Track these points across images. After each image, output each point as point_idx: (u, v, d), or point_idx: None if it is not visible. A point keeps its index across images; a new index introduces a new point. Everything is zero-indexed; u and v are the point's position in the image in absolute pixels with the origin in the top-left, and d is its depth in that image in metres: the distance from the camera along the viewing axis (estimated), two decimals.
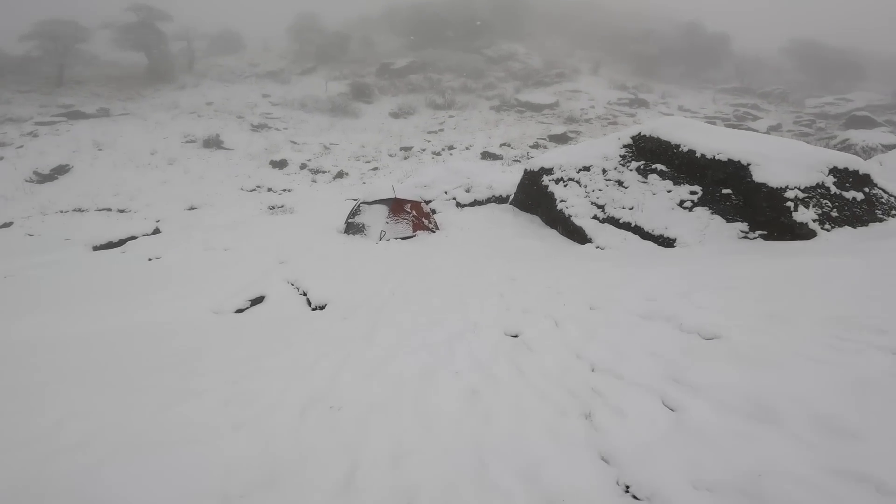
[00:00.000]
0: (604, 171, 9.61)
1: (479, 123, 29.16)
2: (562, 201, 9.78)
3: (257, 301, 6.62)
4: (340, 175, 20.92)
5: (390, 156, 23.55)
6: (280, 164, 21.61)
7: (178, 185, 19.97)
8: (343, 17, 41.04)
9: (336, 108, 29.65)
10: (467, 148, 23.70)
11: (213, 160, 22.89)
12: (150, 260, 9.58)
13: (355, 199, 14.46)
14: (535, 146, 23.75)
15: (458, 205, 12.44)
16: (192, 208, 16.75)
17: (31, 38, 29.13)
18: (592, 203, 9.26)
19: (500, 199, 12.70)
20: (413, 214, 10.29)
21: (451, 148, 24.08)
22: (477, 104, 33.84)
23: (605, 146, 10.11)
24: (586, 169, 9.89)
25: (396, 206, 10.17)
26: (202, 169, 21.68)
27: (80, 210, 18.35)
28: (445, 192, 12.59)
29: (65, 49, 29.61)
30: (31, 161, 22.07)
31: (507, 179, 13.15)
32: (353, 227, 10.30)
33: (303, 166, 21.64)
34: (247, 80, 33.17)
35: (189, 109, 28.78)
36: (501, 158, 20.72)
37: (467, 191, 12.68)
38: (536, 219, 11.14)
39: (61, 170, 21.60)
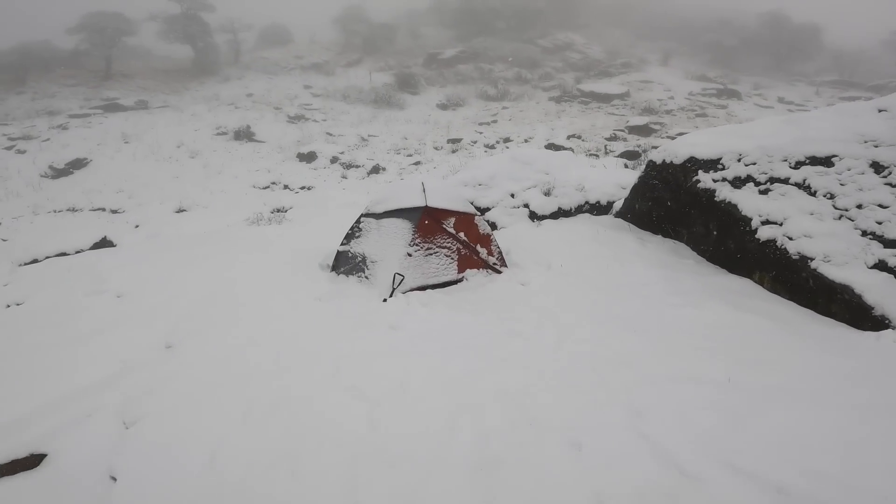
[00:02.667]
0: (877, 166, 4.02)
1: (538, 114, 23.64)
2: (769, 223, 4.29)
3: None
4: (376, 170, 16.02)
5: (436, 148, 18.42)
6: (308, 158, 16.94)
7: (189, 180, 15.71)
8: (390, 9, 36.11)
9: (379, 98, 24.89)
10: (526, 140, 18.24)
11: (239, 153, 18.63)
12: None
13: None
14: (613, 138, 17.96)
15: (534, 215, 7.11)
16: (180, 210, 12.31)
17: (78, 31, 25.76)
18: (863, 232, 3.72)
19: (597, 208, 7.29)
20: (459, 238, 5.06)
21: (507, 140, 18.67)
22: (534, 95, 28.35)
23: (855, 117, 4.51)
24: (824, 162, 4.33)
25: (429, 223, 4.97)
26: (223, 162, 17.40)
27: (73, 210, 14.32)
28: (512, 196, 7.30)
29: (111, 42, 26.12)
30: (52, 155, 18.37)
31: (607, 179, 7.69)
32: (343, 263, 5.19)
33: (334, 160, 16.86)
34: (291, 73, 28.92)
35: (228, 101, 24.75)
36: (571, 151, 15.10)
37: (547, 193, 7.31)
38: (682, 248, 5.67)
39: (77, 164, 17.74)
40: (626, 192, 7.05)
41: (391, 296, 4.57)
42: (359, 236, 5.18)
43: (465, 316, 4.12)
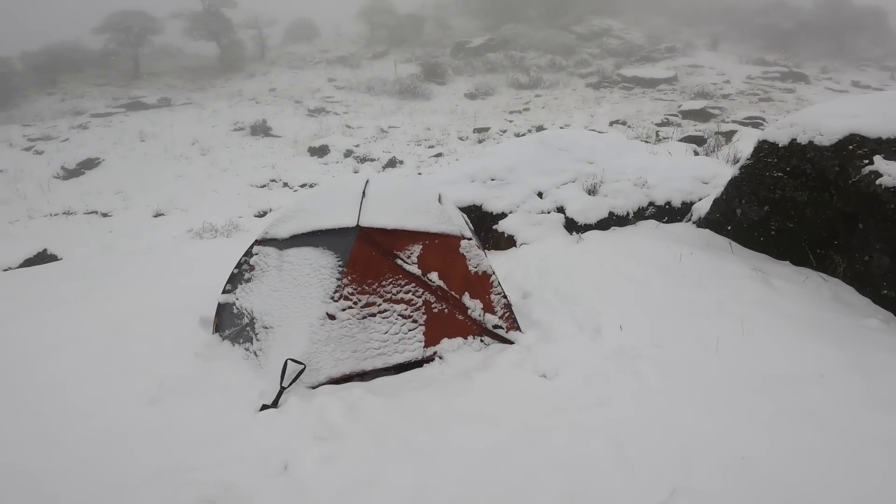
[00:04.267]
0: None
1: (575, 101, 20.84)
2: None
3: None
4: (392, 163, 13.87)
5: (461, 139, 15.98)
6: (319, 152, 14.96)
7: (191, 179, 14.16)
8: (416, 0, 33.53)
9: (404, 89, 22.69)
10: (562, 128, 15.46)
11: (252, 149, 16.99)
12: None
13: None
14: (665, 123, 15.03)
15: (572, 225, 4.56)
16: (158, 215, 10.63)
17: (104, 31, 24.80)
18: None
19: (666, 212, 4.67)
20: (427, 284, 2.62)
21: (540, 129, 16.02)
22: (569, 82, 25.46)
23: None
24: None
25: (368, 257, 2.57)
26: (231, 159, 15.79)
27: (68, 213, 12.94)
28: (540, 195, 4.77)
29: (137, 41, 25.04)
30: (67, 156, 17.22)
31: (678, 169, 5.05)
32: (228, 322, 2.89)
33: (348, 153, 14.81)
34: (316, 67, 27.07)
35: (249, 97, 23.25)
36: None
37: (591, 191, 4.74)
38: (842, 289, 2.99)
39: (89, 164, 16.47)
40: (715, 191, 4.38)
41: (277, 399, 2.22)
42: (248, 279, 2.84)
43: (417, 464, 1.72)
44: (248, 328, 2.72)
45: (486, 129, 16.11)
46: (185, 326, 2.99)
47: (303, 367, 2.39)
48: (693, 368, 2.51)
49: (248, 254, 2.86)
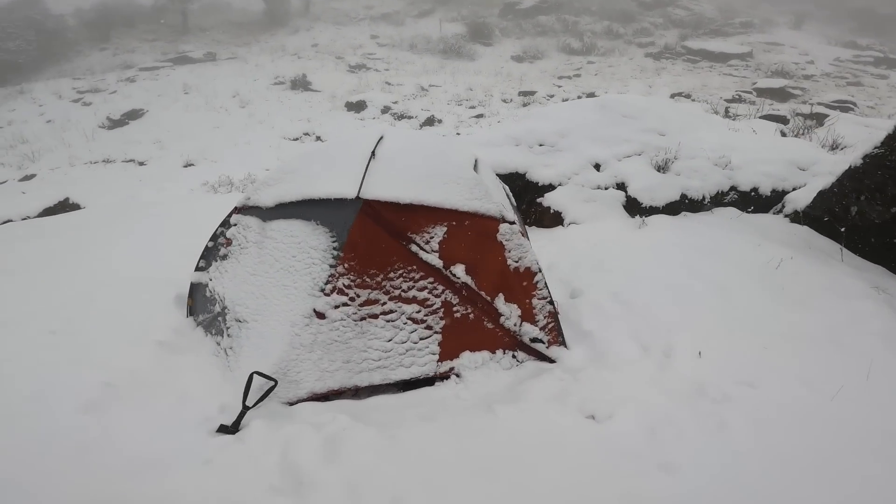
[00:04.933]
0: None
1: (632, 70, 19.27)
2: None
3: None
4: (430, 122, 13.21)
5: (504, 101, 14.96)
6: (357, 107, 14.46)
7: (226, 131, 14.06)
8: None
9: (448, 49, 21.50)
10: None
11: (291, 102, 16.73)
12: None
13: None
14: (737, 100, 13.56)
15: (635, 205, 3.73)
16: (188, 165, 10.50)
17: None
18: None
19: (752, 200, 3.75)
20: (449, 278, 1.93)
21: (591, 95, 14.68)
22: (626, 50, 23.63)
23: None
24: None
25: (372, 238, 1.94)
26: (269, 112, 15.61)
27: (107, 161, 13.04)
28: (597, 167, 3.94)
29: None
30: (113, 106, 17.45)
31: (768, 150, 4.07)
32: (202, 306, 2.33)
33: (385, 109, 14.24)
34: (359, 23, 26.02)
35: (292, 52, 22.75)
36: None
37: (661, 168, 3.87)
38: None
39: (133, 115, 16.58)
40: (817, 180, 3.44)
41: (238, 421, 1.66)
42: (224, 256, 2.25)
43: None
44: (219, 318, 2.16)
45: (533, 93, 14.93)
46: (157, 304, 2.47)
47: (273, 383, 1.81)
48: (800, 422, 1.77)
49: (226, 224, 2.27)
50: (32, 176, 12.29)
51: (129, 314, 2.38)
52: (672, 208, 3.80)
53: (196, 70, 20.83)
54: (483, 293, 2.11)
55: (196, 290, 2.37)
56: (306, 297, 1.96)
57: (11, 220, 6.16)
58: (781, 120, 8.77)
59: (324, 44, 23.44)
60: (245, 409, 1.71)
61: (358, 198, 1.87)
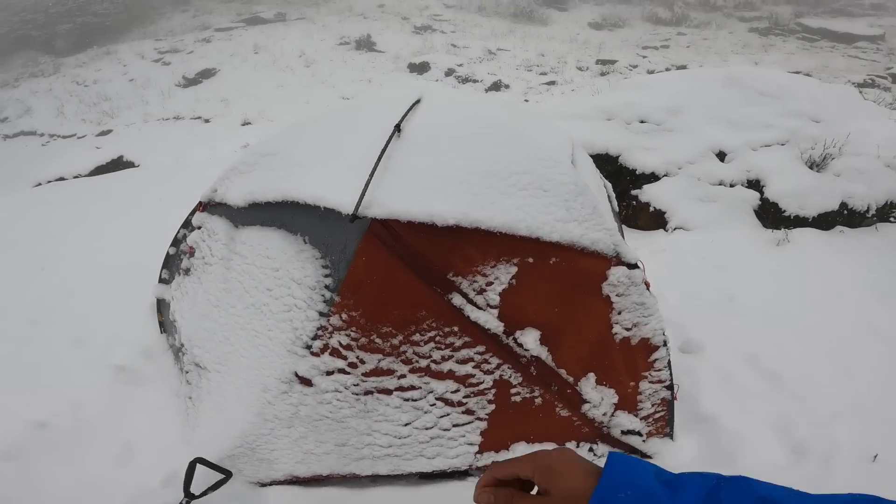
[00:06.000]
0: None
1: (732, 45, 16.99)
2: None
3: None
4: (497, 86, 12.21)
5: (579, 69, 13.43)
6: (420, 69, 13.62)
7: (290, 90, 13.58)
8: None
9: (519, 12, 19.88)
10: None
11: (355, 63, 16.27)
12: None
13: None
14: (870, 84, 11.37)
15: (772, 212, 2.58)
16: (245, 123, 10.48)
17: None
18: None
19: None
20: (521, 353, 1.05)
21: (682, 68, 12.89)
22: (725, 24, 20.99)
23: None
24: None
25: (387, 279, 1.07)
26: (332, 72, 14.97)
27: (177, 118, 13.29)
28: (720, 156, 2.77)
29: None
30: (189, 66, 17.87)
31: None
32: (170, 329, 1.59)
33: (449, 72, 13.32)
34: None
35: (359, 12, 22.05)
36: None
37: (813, 164, 2.64)
38: None
39: (206, 74, 16.83)
40: None
41: None
42: (186, 269, 1.50)
43: None
44: (180, 353, 1.46)
45: (613, 62, 13.20)
46: (136, 306, 1.86)
47: (224, 476, 1.08)
48: None
49: (187, 224, 1.53)
50: (109, 131, 12.68)
51: (98, 321, 1.81)
52: (825, 220, 2.61)
53: (267, 30, 20.75)
54: (563, 372, 1.22)
55: (162, 306, 1.69)
56: (284, 353, 1.19)
57: (63, 178, 6.00)
58: None
59: (390, 5, 22.46)
60: (189, 498, 1.02)
61: (355, 215, 1.01)
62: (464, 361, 1.22)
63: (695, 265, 2.34)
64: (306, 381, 1.21)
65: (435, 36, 18.03)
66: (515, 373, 1.27)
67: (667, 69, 12.48)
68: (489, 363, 1.23)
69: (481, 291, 1.15)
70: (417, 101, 1.26)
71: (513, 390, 1.30)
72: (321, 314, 1.13)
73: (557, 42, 17.02)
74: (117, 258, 2.31)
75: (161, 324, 1.77)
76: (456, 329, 1.18)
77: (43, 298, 2.10)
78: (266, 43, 18.89)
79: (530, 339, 1.18)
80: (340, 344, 1.19)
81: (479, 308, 1.16)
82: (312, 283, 1.14)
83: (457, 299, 1.13)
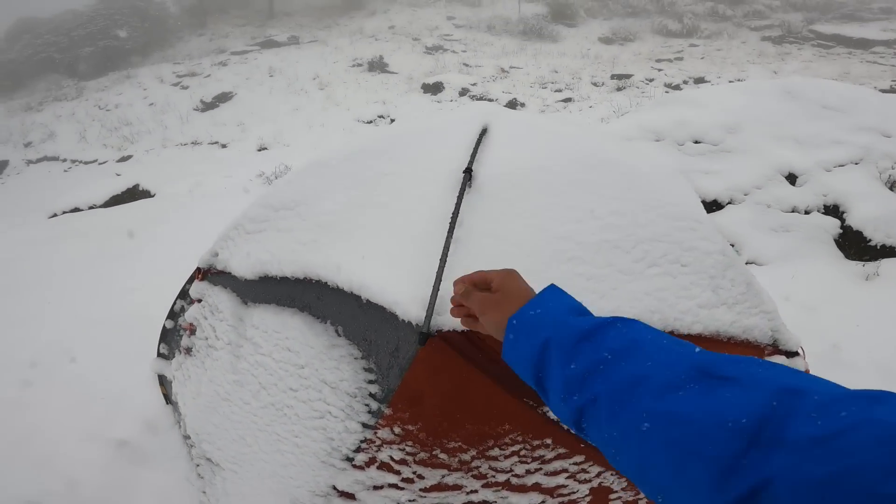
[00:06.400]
0: None
1: (746, 55, 16.77)
2: None
3: None
4: (513, 105, 11.97)
5: (595, 84, 13.20)
6: (433, 89, 13.47)
7: (305, 113, 13.70)
8: None
9: (528, 30, 19.88)
10: (731, 82, 12.06)
11: (367, 84, 16.26)
12: None
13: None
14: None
15: (855, 240, 2.22)
16: (262, 149, 10.31)
17: None
18: None
19: None
20: None
21: (700, 80, 12.65)
22: (736, 34, 20.85)
23: None
24: None
25: (457, 386, 0.76)
26: (346, 94, 15.20)
27: (195, 143, 13.34)
28: (791, 179, 2.40)
29: None
30: (206, 90, 18.12)
31: None
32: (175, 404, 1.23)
33: (463, 92, 13.15)
34: (435, 4, 24.88)
35: (370, 34, 22.27)
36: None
37: (894, 188, 2.33)
38: None
39: (223, 97, 16.99)
40: None
41: None
42: (187, 349, 1.19)
43: None
44: (187, 442, 1.17)
45: (628, 77, 12.93)
46: (136, 373, 1.58)
47: None
48: None
49: (184, 295, 1.23)
50: (129, 157, 12.74)
51: (97, 385, 1.54)
52: None
53: (281, 53, 20.96)
54: None
55: (165, 381, 1.40)
56: (318, 463, 0.88)
57: (78, 208, 5.84)
58: None
59: (400, 25, 22.61)
60: None
61: (426, 334, 0.70)
62: (554, 473, 0.91)
63: (780, 307, 2.00)
64: (349, 496, 0.91)
65: (446, 56, 18.00)
66: (619, 478, 0.96)
67: (684, 81, 12.17)
68: (587, 472, 0.91)
69: None
70: (484, 131, 0.95)
71: (612, 496, 0.99)
72: (365, 426, 0.82)
73: (569, 58, 16.90)
74: (120, 308, 2.04)
75: (165, 396, 1.48)
76: (549, 442, 0.87)
77: (40, 354, 1.84)
78: (280, 66, 19.04)
79: None
80: (392, 458, 0.88)
81: None
82: (352, 389, 0.83)
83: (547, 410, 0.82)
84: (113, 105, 16.26)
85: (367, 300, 0.76)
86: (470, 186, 0.80)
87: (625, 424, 0.40)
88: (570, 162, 0.86)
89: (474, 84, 13.45)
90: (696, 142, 2.66)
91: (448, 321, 0.69)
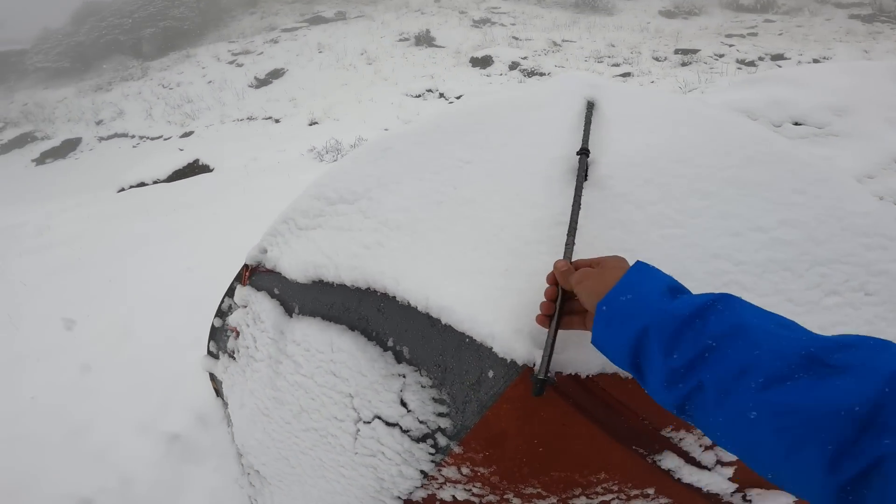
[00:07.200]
0: None
1: (831, 32, 15.02)
2: None
3: None
4: None
5: (656, 59, 12.28)
6: (482, 63, 13.05)
7: (353, 87, 13.25)
8: None
9: (581, 2, 18.71)
10: (815, 60, 10.94)
11: (415, 58, 15.94)
12: None
13: None
14: None
15: None
16: (312, 123, 10.41)
17: None
18: None
19: None
20: None
21: (778, 57, 11.49)
22: (820, 10, 18.69)
23: None
24: None
25: (544, 439, 0.60)
26: (393, 68, 14.40)
27: (250, 118, 13.75)
28: None
29: None
30: (259, 67, 18.57)
31: None
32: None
33: (513, 66, 12.66)
34: None
35: (415, 8, 21.82)
36: None
37: None
38: None
39: (275, 74, 17.37)
40: None
41: None
42: (232, 351, 1.08)
43: None
44: (238, 450, 1.09)
45: (695, 52, 11.90)
46: (188, 361, 1.55)
47: None
48: None
49: (232, 293, 1.12)
50: (191, 133, 13.28)
51: (152, 371, 1.52)
52: None
53: (329, 29, 20.94)
54: None
55: (215, 377, 1.33)
56: (367, 497, 0.77)
57: (144, 183, 6.09)
58: None
59: None
60: None
61: (544, 381, 0.54)
62: None
63: None
64: None
65: (495, 29, 17.28)
66: None
67: (759, 58, 11.01)
68: None
69: (712, 446, 0.65)
70: (591, 106, 0.76)
71: None
72: (425, 475, 0.69)
73: (627, 32, 15.77)
74: (176, 289, 2.03)
75: (216, 390, 1.43)
76: (650, 492, 0.70)
77: (99, 337, 1.84)
78: (329, 42, 19.05)
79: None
80: (455, 498, 0.74)
81: (704, 468, 0.66)
82: (414, 426, 0.68)
83: (669, 461, 0.64)
84: (175, 83, 16.90)
85: (447, 324, 0.60)
86: (586, 179, 0.61)
87: (732, 411, 0.39)
88: (719, 153, 0.64)
89: (525, 58, 12.82)
90: (797, 123, 2.28)
91: (562, 361, 0.52)
